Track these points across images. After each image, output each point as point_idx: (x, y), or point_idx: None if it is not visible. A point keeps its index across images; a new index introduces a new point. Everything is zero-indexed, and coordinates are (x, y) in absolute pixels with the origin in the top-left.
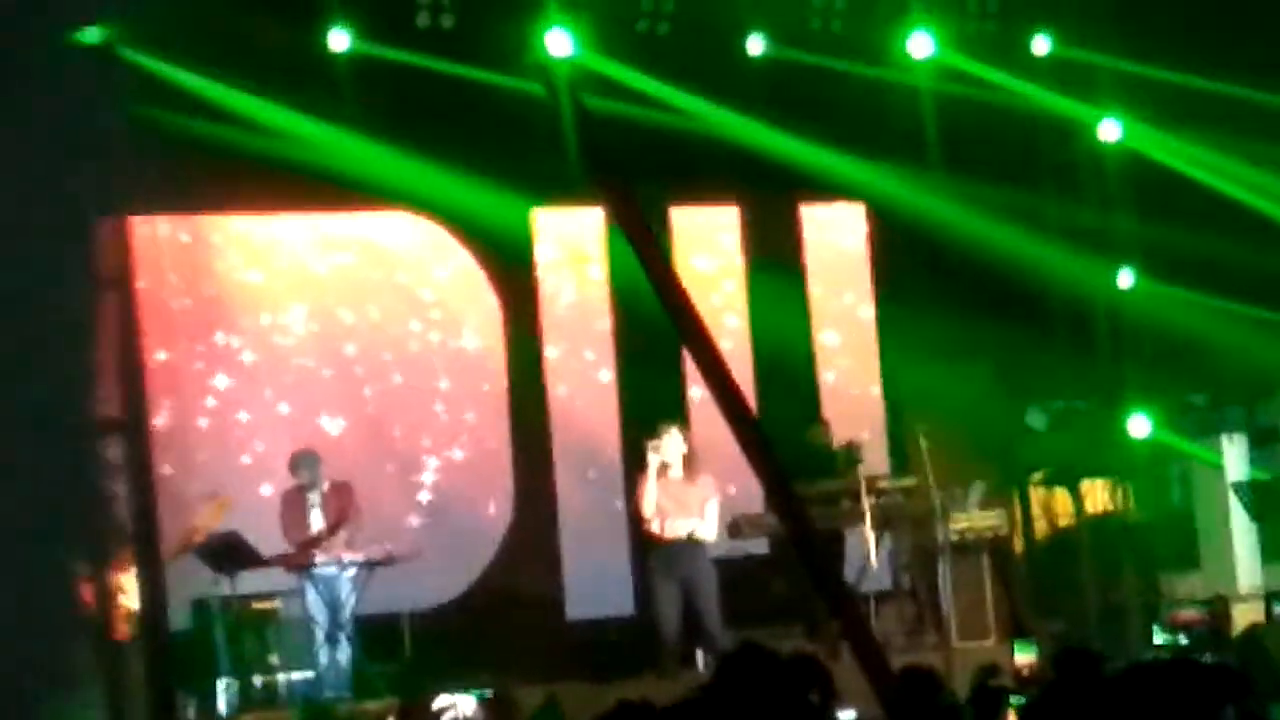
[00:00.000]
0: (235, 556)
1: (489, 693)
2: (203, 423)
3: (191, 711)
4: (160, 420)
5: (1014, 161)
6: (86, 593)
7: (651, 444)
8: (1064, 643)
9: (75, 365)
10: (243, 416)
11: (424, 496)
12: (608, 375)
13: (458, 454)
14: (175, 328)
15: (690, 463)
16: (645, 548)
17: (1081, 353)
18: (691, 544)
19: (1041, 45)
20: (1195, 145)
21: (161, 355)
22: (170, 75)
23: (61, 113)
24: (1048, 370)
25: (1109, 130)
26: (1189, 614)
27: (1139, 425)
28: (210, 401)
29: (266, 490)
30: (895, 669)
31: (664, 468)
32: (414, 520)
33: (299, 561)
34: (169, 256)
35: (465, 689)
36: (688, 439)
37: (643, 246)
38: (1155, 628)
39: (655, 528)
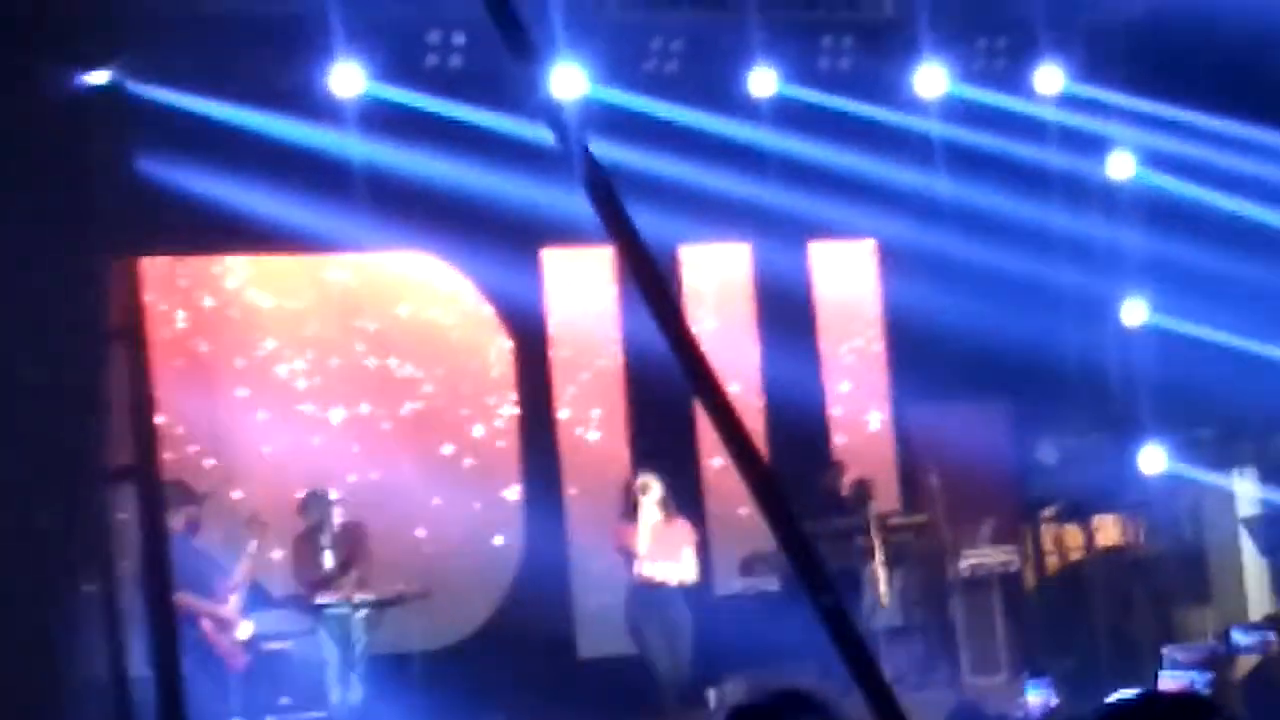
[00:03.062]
0: (250, 597)
1: None
2: (209, 463)
3: None
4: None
5: (1023, 193)
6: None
7: (640, 485)
8: (1076, 679)
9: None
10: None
11: (432, 535)
12: (618, 416)
13: (468, 494)
14: (184, 371)
15: (668, 507)
16: (630, 589)
17: (1092, 387)
18: (675, 588)
19: (1050, 81)
20: (1205, 180)
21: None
22: (179, 111)
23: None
24: (1058, 405)
25: (1120, 164)
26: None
27: (1152, 459)
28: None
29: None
30: (905, 708)
31: (650, 511)
32: (423, 560)
33: (310, 602)
34: (179, 298)
35: None
36: (666, 484)
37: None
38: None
39: (644, 569)
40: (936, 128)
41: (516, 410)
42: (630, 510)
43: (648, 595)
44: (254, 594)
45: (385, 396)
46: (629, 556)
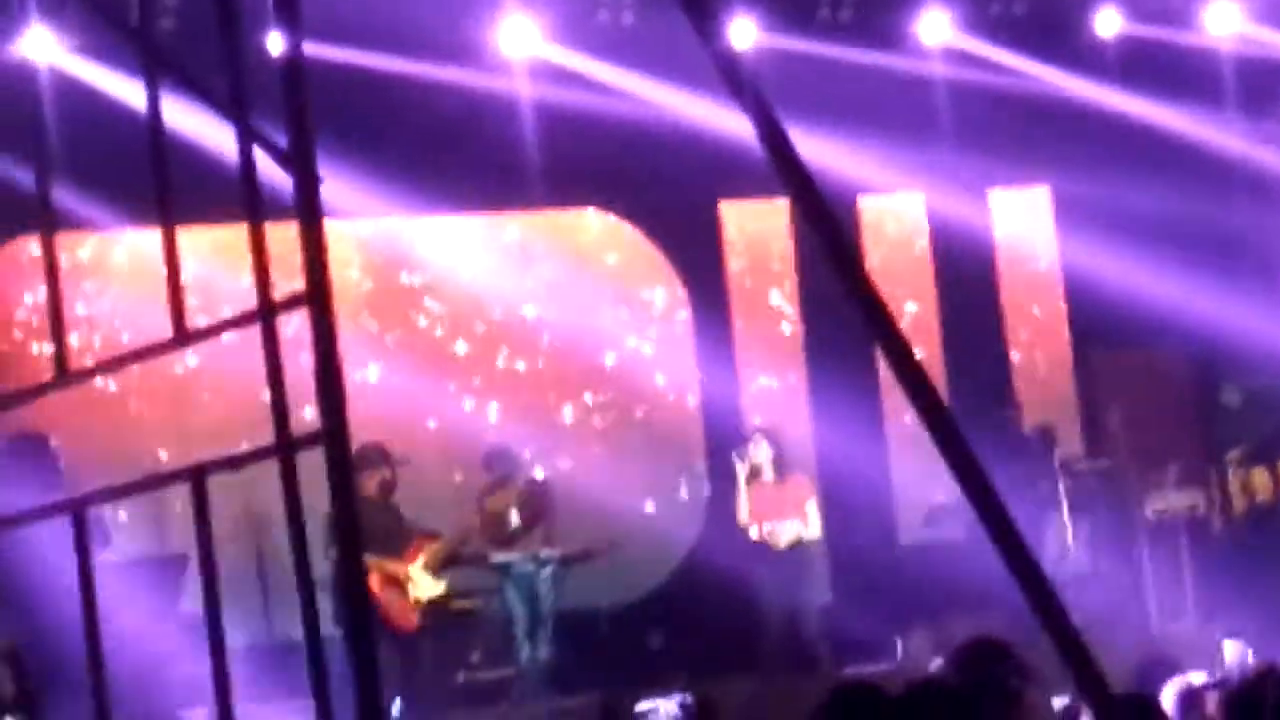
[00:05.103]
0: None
1: (690, 697)
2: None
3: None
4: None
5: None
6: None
7: (737, 452)
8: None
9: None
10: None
11: (617, 492)
12: (795, 376)
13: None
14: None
15: (781, 465)
16: (752, 553)
17: (1277, 326)
18: (798, 546)
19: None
20: None
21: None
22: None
23: None
24: (1241, 347)
25: None
26: None
27: None
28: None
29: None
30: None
31: (756, 473)
32: (608, 516)
33: (498, 559)
34: (350, 261)
35: (666, 689)
36: (776, 443)
37: (829, 239)
38: None
39: (755, 534)
40: (1111, 69)
41: (695, 367)
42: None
43: (759, 557)
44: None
45: (563, 351)
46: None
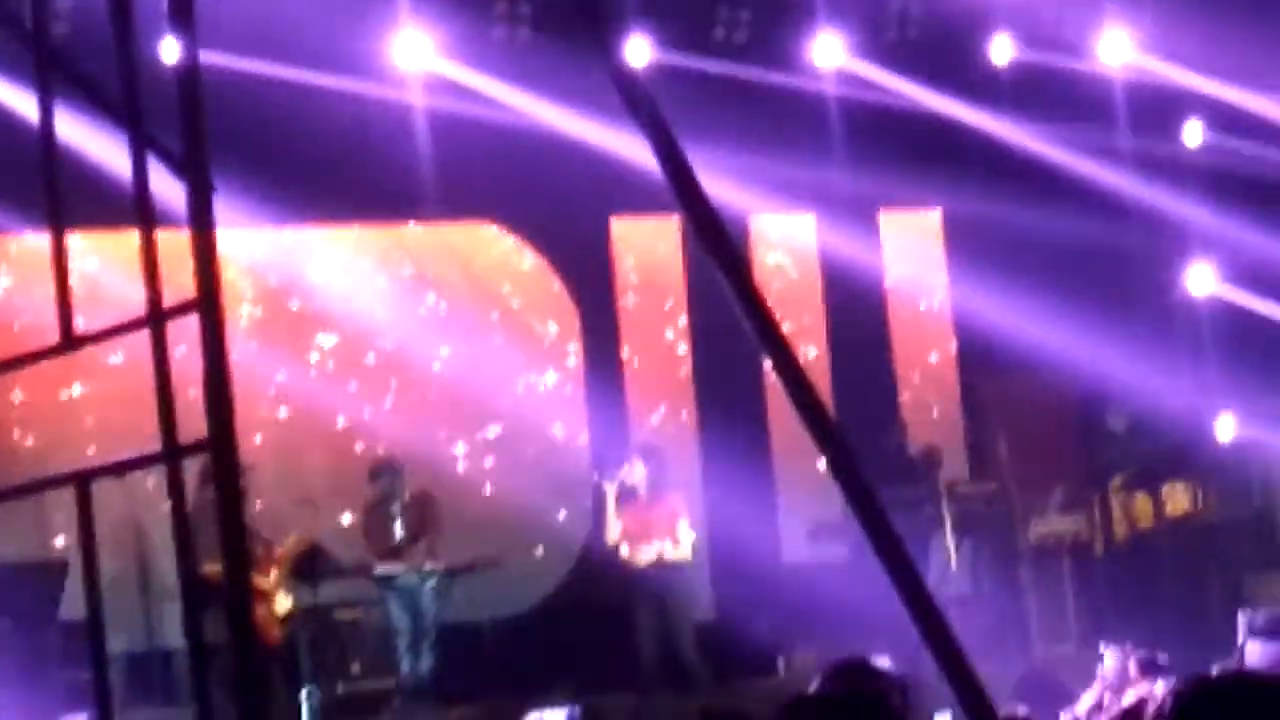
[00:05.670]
0: (318, 567)
1: (579, 709)
2: (257, 439)
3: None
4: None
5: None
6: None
7: (607, 475)
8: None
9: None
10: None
11: (500, 505)
12: (682, 396)
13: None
14: (247, 342)
15: (656, 486)
16: (617, 574)
17: (1164, 354)
18: (663, 566)
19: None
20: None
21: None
22: None
23: None
24: (1128, 372)
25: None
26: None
27: (1225, 426)
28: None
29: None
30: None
31: (630, 493)
32: (492, 530)
33: (379, 572)
34: (241, 270)
35: (550, 701)
36: (654, 462)
37: (721, 254)
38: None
39: (625, 553)
40: (1004, 96)
41: (582, 379)
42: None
43: (634, 579)
44: (322, 564)
45: (453, 360)
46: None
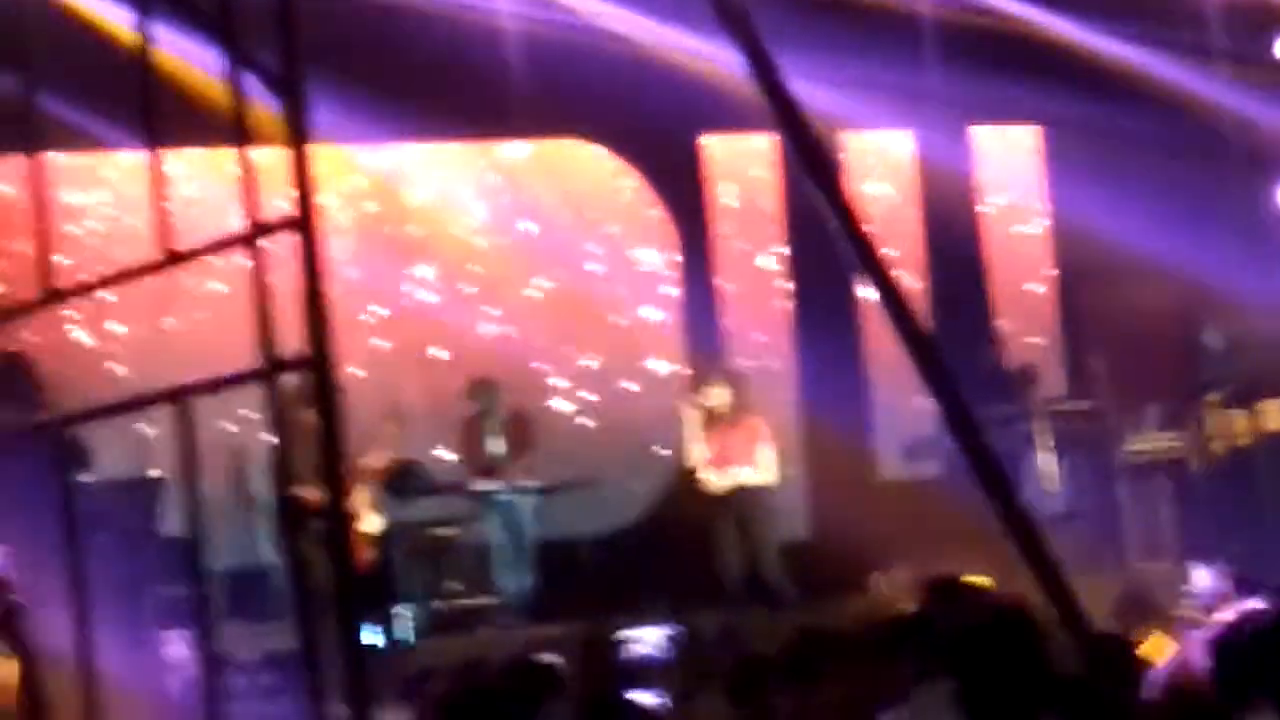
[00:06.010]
0: (414, 483)
1: (675, 627)
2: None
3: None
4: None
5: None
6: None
7: (691, 397)
8: (1242, 566)
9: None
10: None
11: (597, 422)
12: (779, 303)
13: (630, 383)
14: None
15: (738, 409)
16: (701, 497)
17: (1262, 270)
18: (743, 491)
19: None
20: None
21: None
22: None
23: None
24: (1226, 288)
25: None
26: None
27: None
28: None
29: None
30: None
31: (711, 418)
32: (588, 452)
33: (478, 487)
34: (339, 195)
35: (646, 618)
36: (734, 387)
37: (817, 170)
38: None
39: (705, 477)
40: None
41: (680, 299)
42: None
43: (714, 502)
44: (417, 480)
45: (550, 278)
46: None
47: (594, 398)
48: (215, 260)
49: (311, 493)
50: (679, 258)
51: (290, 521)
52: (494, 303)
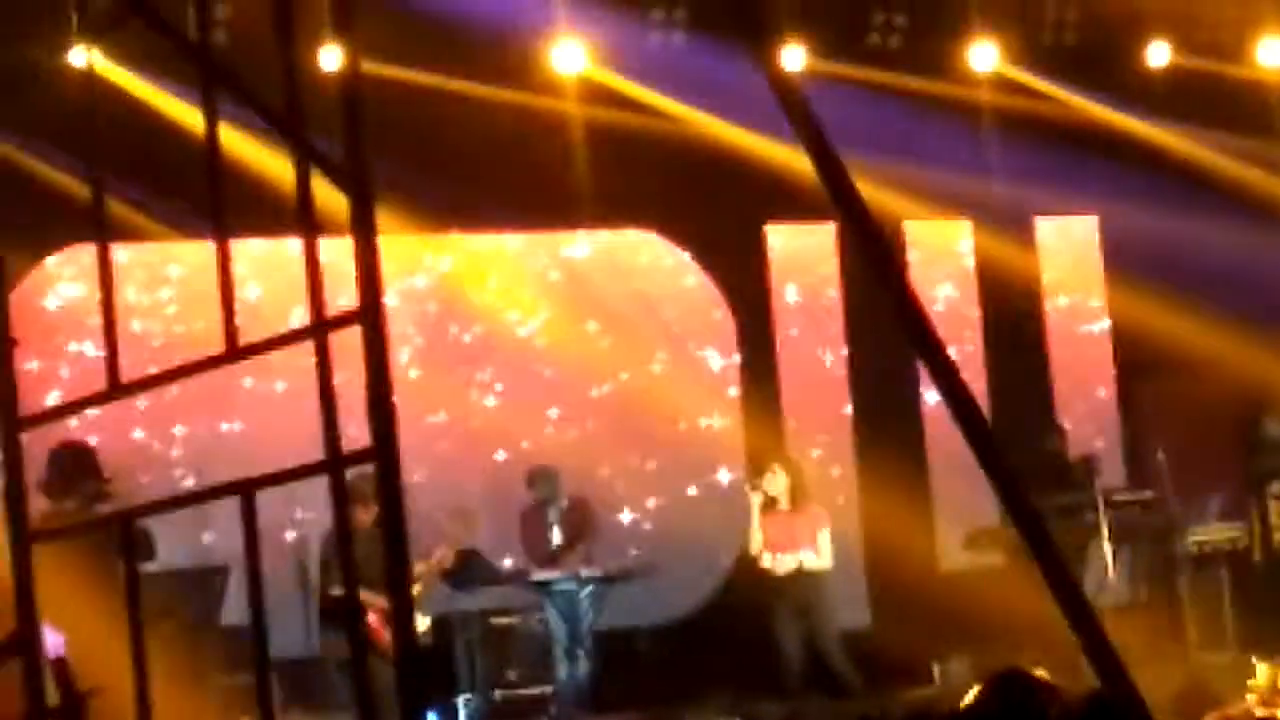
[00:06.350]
0: (477, 573)
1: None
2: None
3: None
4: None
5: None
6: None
7: (753, 482)
8: None
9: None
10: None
11: (656, 518)
12: (843, 386)
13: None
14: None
15: (797, 495)
16: (762, 583)
17: None
18: (804, 575)
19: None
20: None
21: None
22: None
23: None
24: None
25: None
26: None
27: None
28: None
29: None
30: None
31: (771, 503)
32: (646, 537)
33: (537, 578)
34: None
35: (706, 710)
36: (792, 473)
37: (880, 261)
38: None
39: (766, 563)
40: (1161, 102)
41: (740, 395)
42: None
43: (775, 587)
44: (482, 569)
45: (612, 374)
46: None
47: (653, 502)
48: (276, 358)
49: (365, 594)
50: (738, 357)
51: (354, 610)
52: (558, 403)
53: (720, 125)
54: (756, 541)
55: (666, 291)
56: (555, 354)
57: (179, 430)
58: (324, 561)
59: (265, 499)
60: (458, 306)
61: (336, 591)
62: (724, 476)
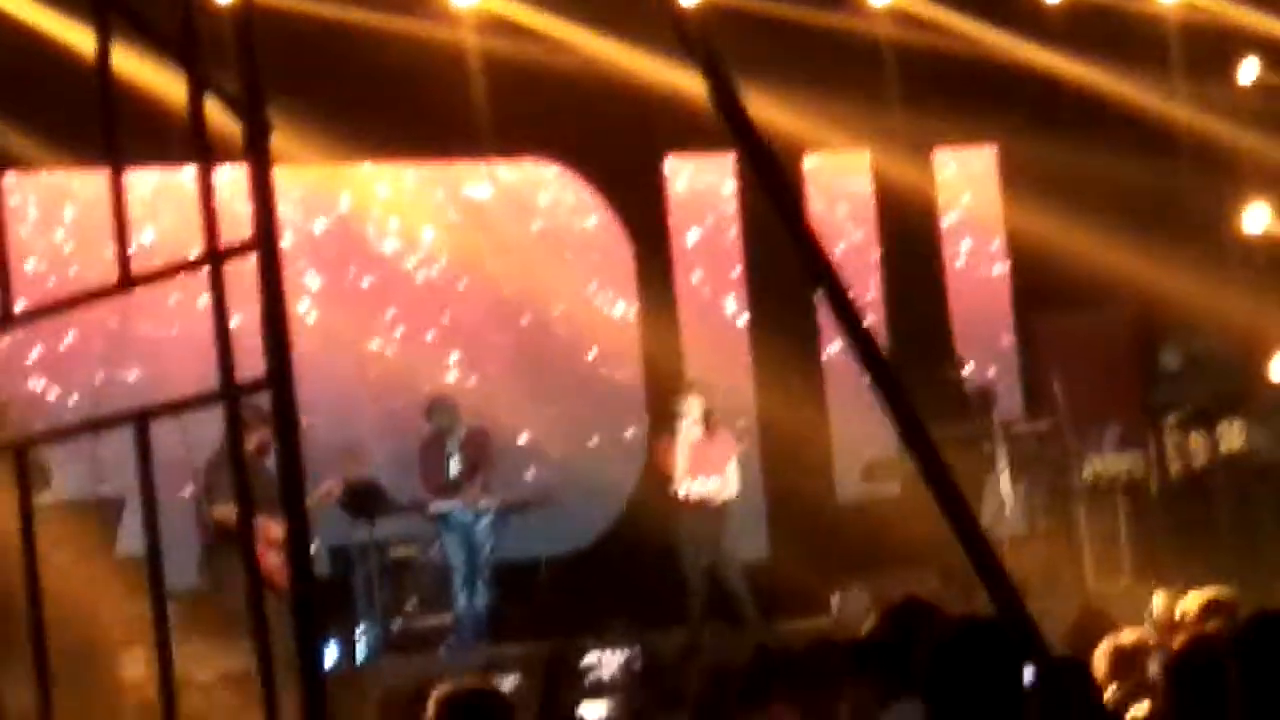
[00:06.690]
0: (374, 504)
1: (637, 656)
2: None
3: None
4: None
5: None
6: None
7: (677, 405)
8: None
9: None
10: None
11: (555, 446)
12: (742, 320)
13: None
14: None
15: (710, 421)
16: (666, 513)
17: (1218, 292)
18: (710, 505)
19: None
20: None
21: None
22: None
23: None
24: (1183, 310)
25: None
26: None
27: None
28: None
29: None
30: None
31: (687, 428)
32: (547, 468)
33: (434, 509)
34: (301, 207)
35: (605, 639)
36: (706, 400)
37: (777, 193)
38: None
39: (683, 490)
40: (1058, 34)
41: (638, 319)
42: (671, 431)
43: (678, 515)
44: (378, 500)
45: (506, 302)
46: (667, 476)
47: (556, 433)
48: (171, 303)
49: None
50: (636, 287)
51: (250, 540)
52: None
53: (620, 54)
54: (680, 465)
55: (572, 231)
56: (455, 297)
57: (75, 378)
58: (208, 485)
59: (161, 440)
60: (357, 249)
61: (218, 514)
62: (629, 430)
